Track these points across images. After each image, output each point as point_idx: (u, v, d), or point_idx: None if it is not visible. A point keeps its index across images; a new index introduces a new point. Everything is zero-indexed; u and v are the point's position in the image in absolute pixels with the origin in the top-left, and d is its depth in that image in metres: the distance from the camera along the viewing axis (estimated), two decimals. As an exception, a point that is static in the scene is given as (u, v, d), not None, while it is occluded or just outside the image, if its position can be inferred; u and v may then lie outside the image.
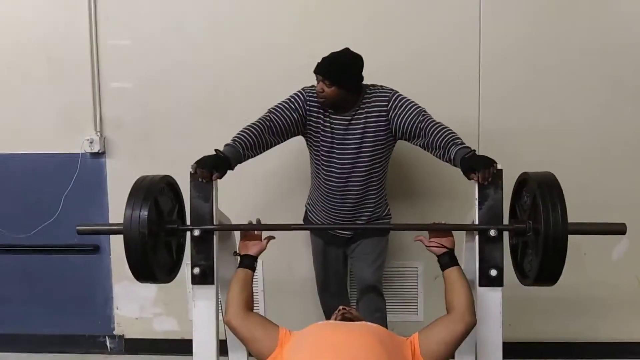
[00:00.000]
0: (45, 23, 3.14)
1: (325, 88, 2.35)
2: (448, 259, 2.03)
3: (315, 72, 2.38)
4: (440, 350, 1.82)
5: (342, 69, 2.36)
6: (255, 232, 2.17)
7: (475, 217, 2.10)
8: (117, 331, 3.34)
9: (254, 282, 2.08)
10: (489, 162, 2.08)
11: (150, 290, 3.24)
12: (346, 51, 2.40)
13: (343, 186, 2.50)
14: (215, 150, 2.23)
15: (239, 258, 2.12)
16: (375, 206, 2.57)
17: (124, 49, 3.12)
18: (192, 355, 2.19)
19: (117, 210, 3.16)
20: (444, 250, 2.04)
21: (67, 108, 3.18)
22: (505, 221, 2.16)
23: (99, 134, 3.15)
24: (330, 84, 2.35)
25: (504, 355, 2.10)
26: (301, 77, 2.52)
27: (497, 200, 2.08)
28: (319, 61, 2.38)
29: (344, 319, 1.96)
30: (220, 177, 2.18)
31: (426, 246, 2.09)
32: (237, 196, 2.83)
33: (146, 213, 1.95)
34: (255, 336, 1.89)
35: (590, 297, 3.14)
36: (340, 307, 2.04)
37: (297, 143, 2.57)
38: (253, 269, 2.09)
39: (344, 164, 2.47)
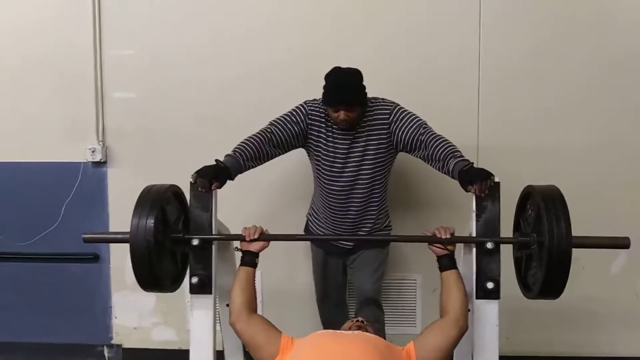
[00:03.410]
0: (49, 33, 3.16)
1: (349, 115, 2.34)
2: (448, 261, 2.07)
3: (336, 105, 2.33)
4: (436, 357, 1.86)
5: (358, 90, 2.36)
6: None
7: (472, 230, 2.12)
8: (115, 340, 3.34)
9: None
10: (486, 175, 2.09)
11: (149, 299, 3.23)
12: (347, 71, 2.37)
13: (345, 198, 2.51)
14: (216, 160, 2.25)
15: (240, 254, 2.14)
16: (376, 218, 2.58)
17: (127, 59, 3.14)
18: (189, 365, 2.20)
19: (117, 220, 3.16)
20: (445, 252, 2.07)
21: (69, 117, 3.20)
22: (509, 234, 2.18)
23: (101, 143, 3.16)
24: (354, 109, 2.35)
25: (501, 369, 2.11)
26: (303, 89, 2.54)
27: (494, 213, 2.09)
28: (331, 94, 2.33)
29: (359, 329, 2.02)
30: (220, 187, 2.20)
31: (429, 245, 2.12)
32: (238, 206, 2.84)
33: (152, 222, 1.96)
34: (258, 342, 1.92)
35: (589, 311, 3.13)
36: (360, 318, 2.11)
37: (299, 154, 2.59)
38: (254, 266, 2.11)
39: (346, 178, 2.48)
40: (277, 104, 2.53)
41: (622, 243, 2.04)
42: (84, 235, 2.17)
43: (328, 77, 2.37)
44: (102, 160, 3.17)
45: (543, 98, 3.03)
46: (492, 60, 3.01)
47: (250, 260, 2.11)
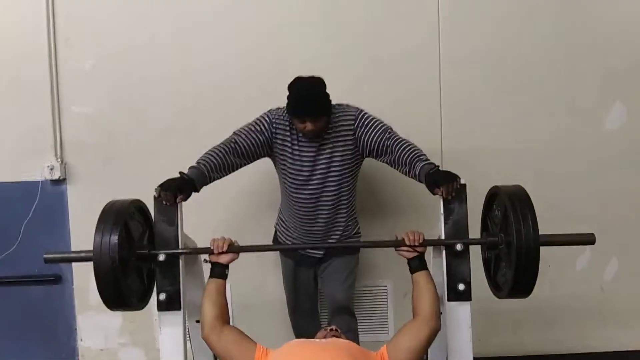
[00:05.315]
0: (3, 45, 3.07)
1: (315, 125, 2.33)
2: (418, 263, 2.07)
3: (301, 116, 2.31)
4: (409, 358, 1.86)
5: (323, 101, 2.36)
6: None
7: (441, 232, 2.12)
8: (81, 363, 3.24)
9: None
10: (452, 177, 2.11)
11: (115, 319, 3.15)
12: (310, 81, 2.37)
13: (313, 207, 2.50)
14: (180, 172, 2.21)
15: (209, 266, 2.09)
16: (345, 225, 2.58)
17: (84, 72, 3.07)
18: (159, 384, 2.14)
19: (79, 239, 3.08)
20: (415, 254, 2.07)
21: (25, 134, 3.11)
22: (477, 235, 2.20)
23: (59, 160, 3.08)
24: (320, 119, 2.34)
25: (475, 371, 2.11)
26: (270, 97, 2.51)
27: (462, 215, 2.11)
28: (296, 105, 2.32)
29: (334, 337, 2.00)
30: (185, 200, 2.16)
31: (396, 250, 2.11)
32: (205, 218, 2.80)
33: (116, 238, 1.92)
34: (232, 354, 1.89)
35: (558, 309, 3.18)
36: (334, 327, 2.09)
37: (265, 163, 2.56)
38: (224, 278, 2.08)
39: (313, 186, 2.46)
40: (246, 114, 2.48)
41: (587, 239, 2.08)
42: (45, 256, 2.11)
43: (291, 88, 2.36)
44: (61, 178, 3.09)
45: (503, 98, 3.08)
46: (452, 62, 3.05)
47: (219, 271, 2.07)
